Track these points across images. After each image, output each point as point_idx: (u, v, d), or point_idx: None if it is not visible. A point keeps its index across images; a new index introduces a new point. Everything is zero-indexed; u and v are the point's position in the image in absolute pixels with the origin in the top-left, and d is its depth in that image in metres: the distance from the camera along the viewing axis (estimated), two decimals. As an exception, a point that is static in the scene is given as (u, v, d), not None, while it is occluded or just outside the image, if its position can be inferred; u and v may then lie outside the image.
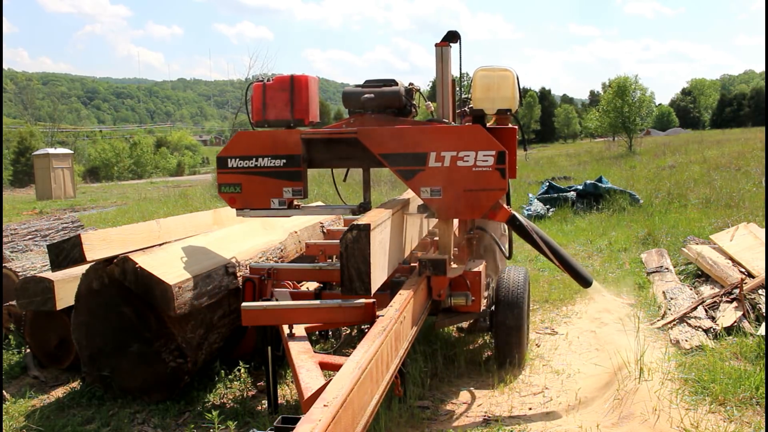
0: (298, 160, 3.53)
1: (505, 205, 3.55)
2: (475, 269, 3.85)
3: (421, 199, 3.48)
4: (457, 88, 3.96)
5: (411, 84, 3.79)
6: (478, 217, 3.59)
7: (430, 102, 3.97)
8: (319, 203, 5.99)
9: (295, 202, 3.65)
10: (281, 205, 3.58)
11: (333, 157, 3.69)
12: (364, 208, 3.66)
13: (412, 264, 4.04)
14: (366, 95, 3.61)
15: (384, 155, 3.42)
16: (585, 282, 3.85)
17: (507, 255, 4.30)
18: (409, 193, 5.05)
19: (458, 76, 3.75)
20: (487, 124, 3.77)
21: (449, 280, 3.61)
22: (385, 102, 3.62)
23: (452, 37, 3.56)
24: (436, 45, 3.57)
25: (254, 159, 3.56)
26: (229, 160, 3.61)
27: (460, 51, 3.66)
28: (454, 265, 3.77)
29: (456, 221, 4.27)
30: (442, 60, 3.58)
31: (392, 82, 3.67)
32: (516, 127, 3.73)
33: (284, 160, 3.53)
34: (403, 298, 3.13)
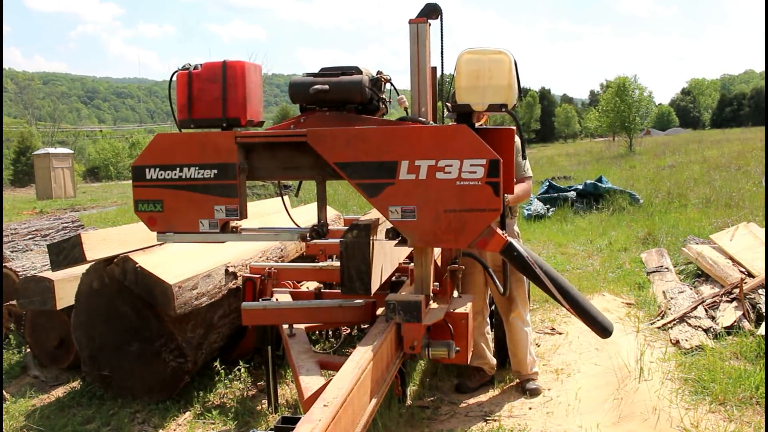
0: (233, 170, 2.76)
1: (498, 231, 2.72)
2: (461, 310, 3.04)
3: (389, 222, 2.71)
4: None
5: (380, 73, 3.01)
6: (463, 247, 2.79)
7: (404, 96, 3.20)
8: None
9: (233, 224, 2.87)
10: (212, 227, 2.81)
11: (278, 167, 2.90)
12: (318, 232, 2.93)
13: (411, 265, 4.02)
14: (317, 86, 2.79)
15: (341, 164, 2.65)
16: (603, 331, 2.95)
17: (501, 290, 3.43)
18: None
19: (439, 62, 2.99)
20: (477, 124, 3.05)
21: (426, 327, 2.83)
22: (344, 95, 2.82)
23: (431, 11, 2.78)
24: (411, 21, 2.75)
25: (178, 169, 2.80)
26: (147, 170, 2.84)
27: (442, 31, 2.86)
28: (433, 305, 3.02)
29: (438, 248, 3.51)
30: (418, 41, 2.74)
31: (354, 70, 2.88)
32: (513, 128, 2.96)
33: (215, 171, 2.77)
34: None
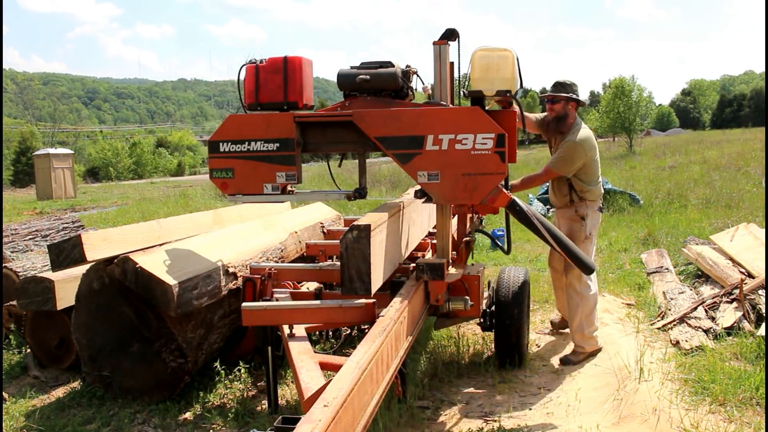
0: (292, 143, 3.46)
1: (504, 190, 3.46)
2: (474, 273, 3.84)
3: (418, 184, 3.42)
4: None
5: (408, 66, 3.72)
6: (476, 203, 3.49)
7: (428, 85, 3.84)
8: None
9: (289, 188, 3.59)
10: (274, 190, 3.51)
11: (327, 141, 3.60)
12: (360, 193, 3.61)
13: (412, 265, 4.03)
14: (361, 76, 3.52)
15: (380, 138, 3.34)
16: (587, 268, 3.83)
17: (506, 251, 4.41)
18: (407, 194, 5.05)
19: (456, 77, 3.68)
20: (486, 107, 3.67)
21: (447, 284, 3.55)
22: (381, 84, 3.53)
23: (450, 35, 3.50)
24: (434, 43, 3.49)
25: (247, 143, 3.49)
26: (221, 144, 3.53)
27: (459, 49, 3.59)
28: (452, 270, 3.71)
29: (455, 223, 4.15)
30: (441, 59, 3.49)
31: (389, 64, 3.58)
32: (516, 110, 3.66)
33: (277, 144, 3.46)
34: (398, 303, 3.05)
